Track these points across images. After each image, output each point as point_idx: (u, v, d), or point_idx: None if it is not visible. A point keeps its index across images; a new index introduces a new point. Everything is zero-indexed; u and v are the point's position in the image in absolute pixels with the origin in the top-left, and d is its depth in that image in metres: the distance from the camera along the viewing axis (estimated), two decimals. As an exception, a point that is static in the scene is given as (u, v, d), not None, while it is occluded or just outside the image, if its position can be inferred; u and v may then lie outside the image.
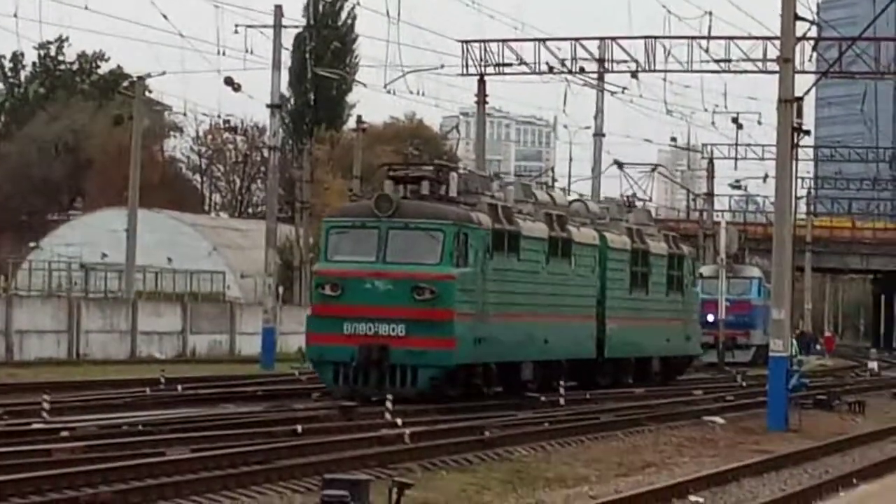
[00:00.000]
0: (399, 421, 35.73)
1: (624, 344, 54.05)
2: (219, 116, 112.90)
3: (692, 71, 74.79)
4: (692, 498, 26.44)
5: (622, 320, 53.65)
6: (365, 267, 41.51)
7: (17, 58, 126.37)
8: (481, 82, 75.24)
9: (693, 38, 72.72)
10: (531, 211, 47.95)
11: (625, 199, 62.94)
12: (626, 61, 74.31)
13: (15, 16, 52.99)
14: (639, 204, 62.78)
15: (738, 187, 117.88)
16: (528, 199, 48.75)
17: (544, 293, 47.33)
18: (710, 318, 78.23)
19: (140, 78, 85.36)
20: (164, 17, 76.14)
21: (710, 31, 72.58)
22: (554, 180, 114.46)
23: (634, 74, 74.37)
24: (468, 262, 42.30)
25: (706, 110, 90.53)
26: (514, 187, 49.41)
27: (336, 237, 42.72)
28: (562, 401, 46.98)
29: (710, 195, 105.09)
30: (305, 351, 44.56)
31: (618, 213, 56.93)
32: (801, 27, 45.11)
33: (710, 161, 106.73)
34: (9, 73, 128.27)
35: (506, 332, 44.34)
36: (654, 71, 74.19)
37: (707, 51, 73.20)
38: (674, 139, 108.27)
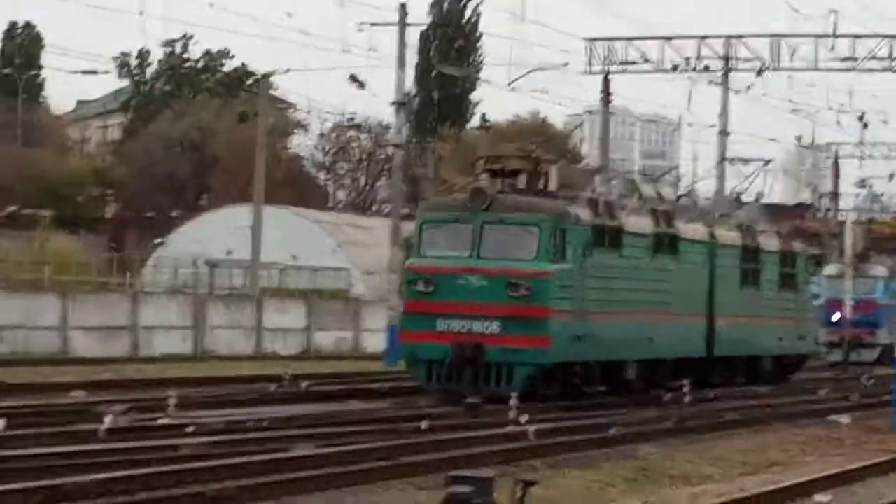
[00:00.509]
0: (524, 418, 35.76)
1: (734, 342, 51.85)
2: (343, 114, 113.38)
3: (817, 69, 74.53)
4: (817, 497, 26.26)
5: (732, 317, 51.51)
6: (459, 262, 40.21)
7: (143, 55, 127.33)
8: (606, 80, 75.52)
9: (819, 36, 72.43)
10: (636, 206, 46.19)
11: (735, 194, 61.56)
12: (750, 59, 74.11)
13: (141, 13, 53.47)
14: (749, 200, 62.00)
15: (864, 186, 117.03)
16: (632, 193, 47.25)
17: (648, 290, 45.62)
18: (836, 317, 77.65)
19: (265, 76, 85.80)
20: (289, 14, 76.93)
21: (835, 30, 72.29)
22: (678, 178, 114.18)
23: (759, 73, 74.14)
24: (566, 257, 40.82)
25: (831, 109, 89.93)
26: (618, 181, 48.32)
27: (430, 232, 41.44)
28: (686, 399, 46.94)
29: (835, 194, 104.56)
30: (402, 348, 43.36)
31: (727, 209, 55.79)
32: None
33: (835, 160, 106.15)
34: (135, 71, 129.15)
35: (607, 330, 42.69)
36: (779, 69, 73.94)
37: (833, 49, 72.86)
38: (798, 137, 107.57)
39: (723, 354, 50.92)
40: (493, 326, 39.35)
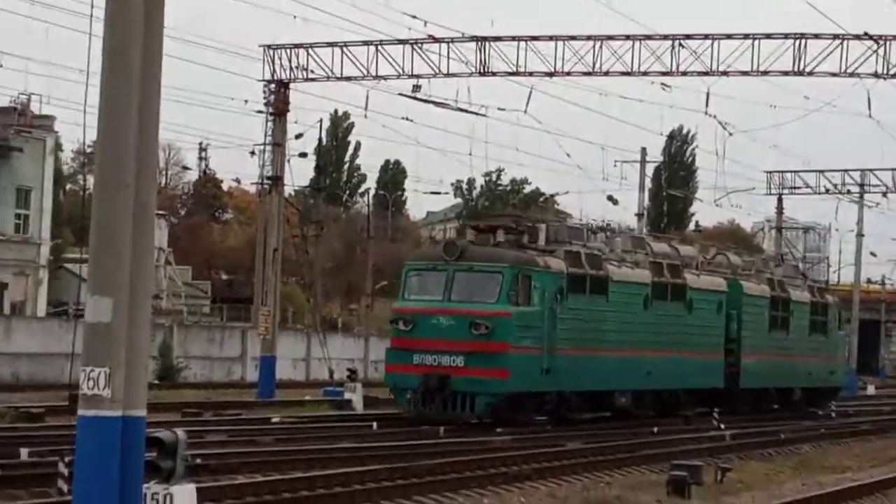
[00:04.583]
0: (723, 426, 35.49)
1: (760, 376, 44.22)
2: (602, 221, 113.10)
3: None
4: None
5: (759, 355, 43.89)
6: (433, 305, 33.75)
7: (470, 182, 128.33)
8: (780, 199, 75.85)
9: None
10: (639, 259, 39.04)
11: (778, 256, 54.61)
12: (878, 185, 72.97)
13: (469, 154, 54.24)
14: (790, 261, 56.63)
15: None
16: (638, 249, 39.54)
17: (645, 331, 38.02)
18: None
19: (551, 195, 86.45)
20: (568, 155, 77.20)
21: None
22: (829, 266, 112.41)
23: (885, 195, 72.98)
24: (531, 300, 33.93)
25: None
26: (622, 239, 40.26)
27: (412, 280, 34.97)
28: (832, 413, 46.13)
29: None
30: (385, 378, 36.77)
31: (763, 267, 47.47)
32: None
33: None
34: (465, 192, 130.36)
35: (586, 364, 35.36)
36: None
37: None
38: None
39: (749, 387, 43.60)
40: (458, 360, 32.98)
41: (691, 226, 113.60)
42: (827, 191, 72.48)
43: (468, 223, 39.15)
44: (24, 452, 21.29)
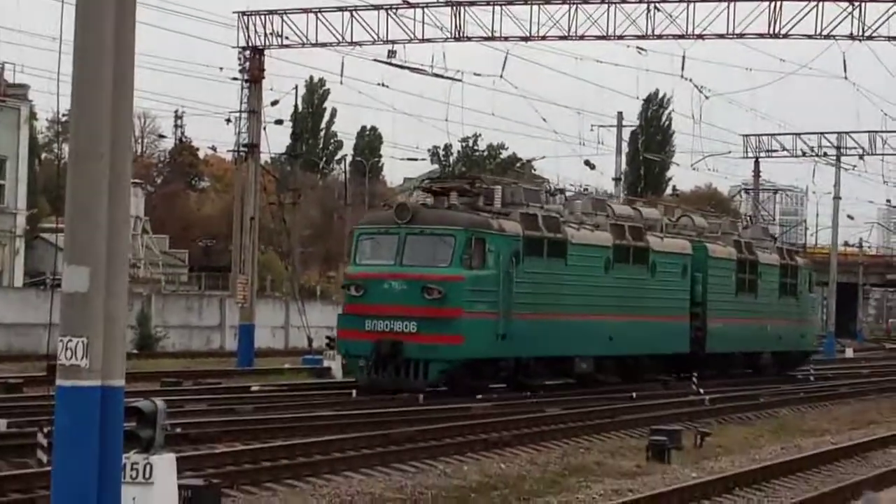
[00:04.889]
0: (701, 390, 35.58)
1: (727, 340, 42.92)
2: (580, 186, 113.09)
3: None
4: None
5: (726, 319, 42.69)
6: (384, 269, 32.52)
7: (447, 147, 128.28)
8: (756, 163, 76.00)
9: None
10: (599, 222, 37.81)
11: (747, 218, 53.48)
12: (854, 148, 73.03)
13: (446, 120, 54.17)
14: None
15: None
16: (598, 212, 38.30)
17: (606, 294, 36.92)
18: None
19: (528, 160, 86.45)
20: (544, 119, 77.18)
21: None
22: (806, 229, 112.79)
23: (861, 157, 73.04)
24: (486, 264, 32.75)
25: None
26: (583, 201, 39.01)
27: (363, 243, 33.67)
28: (811, 378, 46.29)
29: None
30: (337, 346, 35.52)
31: (730, 229, 46.08)
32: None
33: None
34: (442, 158, 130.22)
35: (543, 330, 34.21)
36: (875, 155, 72.70)
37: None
38: (888, 200, 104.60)
39: (715, 351, 42.33)
40: (411, 326, 31.75)
41: (668, 190, 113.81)
42: (804, 154, 72.61)
43: (419, 186, 37.64)
44: (2, 423, 21.24)
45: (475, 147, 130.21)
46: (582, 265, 36.16)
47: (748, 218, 50.66)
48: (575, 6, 43.62)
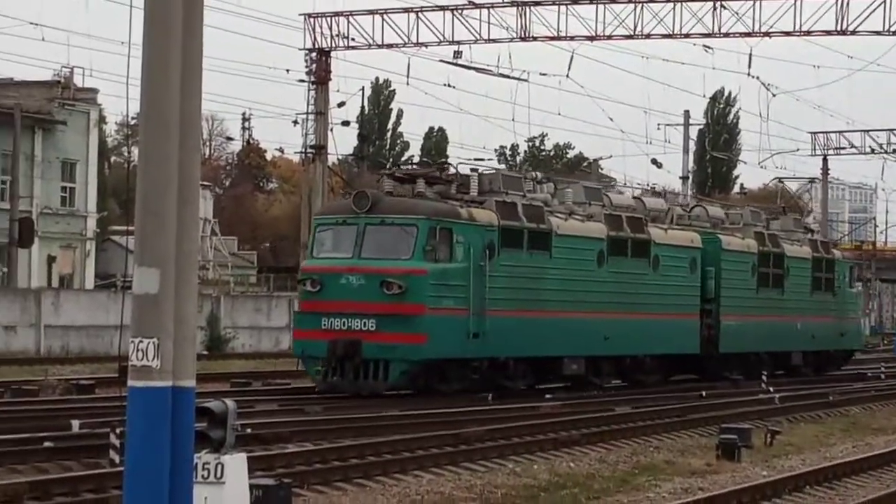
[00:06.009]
0: (771, 388, 35.36)
1: (744, 339, 39.50)
2: (647, 185, 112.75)
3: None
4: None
5: (743, 317, 39.33)
6: (342, 263, 29.73)
7: (514, 148, 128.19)
8: (825, 160, 75.57)
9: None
10: (593, 212, 34.80)
11: (780, 208, 48.01)
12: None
13: (513, 119, 54.32)
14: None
15: None
16: (592, 201, 35.35)
17: (600, 290, 34.02)
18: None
19: (595, 160, 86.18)
20: (611, 118, 77.20)
21: None
22: (875, 226, 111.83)
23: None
24: (453, 256, 29.98)
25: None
26: (574, 189, 35.92)
27: (321, 235, 31.01)
28: (882, 376, 45.88)
29: None
30: (293, 347, 32.79)
31: (753, 220, 42.26)
32: None
33: None
34: (509, 157, 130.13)
35: (524, 328, 31.39)
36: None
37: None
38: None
39: (730, 351, 39.22)
40: (370, 324, 29.05)
41: (736, 188, 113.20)
42: (872, 151, 72.12)
43: (385, 172, 34.82)
44: (75, 424, 21.43)
45: (542, 147, 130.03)
46: (570, 258, 33.28)
47: (782, 209, 47.68)
48: (641, 5, 43.53)
